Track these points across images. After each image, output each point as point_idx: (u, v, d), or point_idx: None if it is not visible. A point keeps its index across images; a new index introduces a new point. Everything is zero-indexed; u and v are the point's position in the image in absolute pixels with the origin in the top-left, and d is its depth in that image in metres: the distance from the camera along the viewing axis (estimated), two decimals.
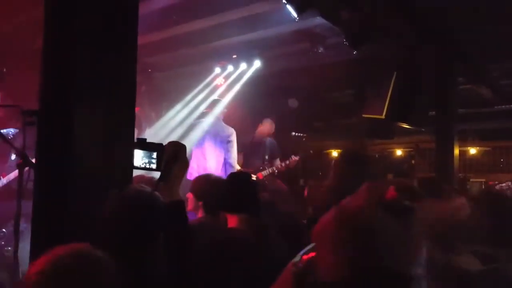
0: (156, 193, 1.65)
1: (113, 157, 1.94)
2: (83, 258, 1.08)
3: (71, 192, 1.81)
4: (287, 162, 5.55)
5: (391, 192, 0.92)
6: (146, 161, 1.69)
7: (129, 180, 1.97)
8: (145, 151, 1.69)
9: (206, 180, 2.83)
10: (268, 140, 5.79)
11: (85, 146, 1.87)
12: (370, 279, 0.87)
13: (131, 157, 1.93)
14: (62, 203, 1.83)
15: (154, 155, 1.68)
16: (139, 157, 1.69)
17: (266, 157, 5.67)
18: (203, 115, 5.87)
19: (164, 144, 1.70)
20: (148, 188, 1.68)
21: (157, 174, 1.69)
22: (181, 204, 1.66)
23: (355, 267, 0.88)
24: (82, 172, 1.84)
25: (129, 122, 2.07)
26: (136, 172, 1.91)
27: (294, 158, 5.55)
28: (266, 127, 5.82)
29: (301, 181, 7.51)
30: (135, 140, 1.75)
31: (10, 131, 3.18)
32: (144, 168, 1.70)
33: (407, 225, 0.92)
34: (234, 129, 5.97)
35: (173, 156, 1.65)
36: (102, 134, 1.93)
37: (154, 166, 1.68)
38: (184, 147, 1.71)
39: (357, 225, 0.90)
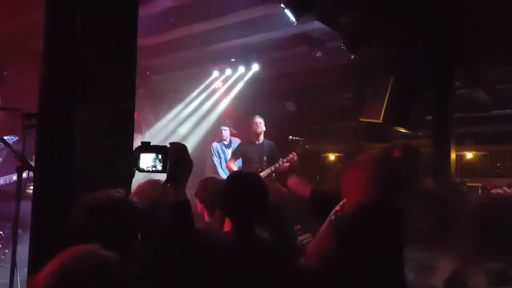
0: (127, 196, 1.63)
1: (113, 160, 1.95)
2: (94, 259, 1.08)
3: (70, 194, 1.82)
4: (285, 160, 5.54)
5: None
6: (152, 164, 1.70)
7: (129, 182, 1.98)
8: (150, 154, 1.71)
9: (206, 183, 2.79)
10: (266, 142, 5.79)
11: (85, 149, 1.87)
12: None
13: (130, 159, 1.94)
14: (61, 205, 1.84)
15: (159, 157, 1.70)
16: (145, 161, 1.71)
17: (265, 158, 5.66)
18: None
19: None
20: (119, 192, 1.64)
21: (162, 176, 1.70)
22: (187, 204, 1.67)
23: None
24: (81, 175, 1.85)
25: (128, 124, 2.08)
26: (140, 176, 1.92)
27: (292, 155, 5.53)
28: (253, 126, 5.79)
29: None
30: (140, 144, 1.76)
31: (10, 138, 3.18)
32: (151, 171, 1.71)
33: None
34: (231, 132, 6.02)
35: (177, 157, 1.67)
36: (101, 136, 1.94)
37: (160, 168, 1.70)
38: (186, 147, 1.72)
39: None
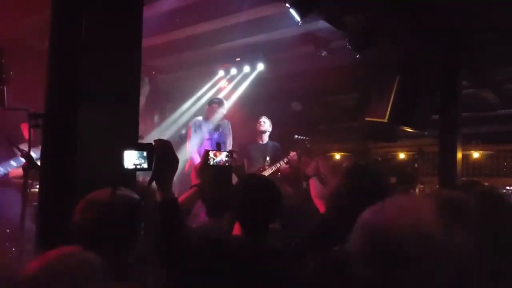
0: (130, 194, 1.61)
1: (118, 160, 1.96)
2: (71, 261, 1.08)
3: (75, 194, 1.83)
4: (286, 159, 5.49)
5: None
6: (137, 161, 1.65)
7: (133, 182, 1.99)
8: (134, 152, 1.65)
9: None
10: (271, 143, 5.78)
11: (90, 149, 1.89)
12: None
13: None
14: (66, 205, 1.85)
15: (144, 154, 1.65)
16: (129, 158, 1.65)
17: (268, 158, 5.64)
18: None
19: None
20: (122, 190, 1.62)
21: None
22: (174, 202, 1.65)
23: None
24: (86, 175, 1.86)
25: (133, 124, 2.09)
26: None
27: (292, 154, 5.47)
28: (256, 125, 5.73)
29: (304, 184, 7.51)
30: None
31: None
32: (136, 169, 1.66)
33: None
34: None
35: (163, 154, 1.63)
36: (106, 136, 1.95)
37: (145, 165, 1.64)
38: (171, 144, 1.69)
39: None
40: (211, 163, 2.07)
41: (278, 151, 5.73)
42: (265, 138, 5.74)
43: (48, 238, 1.86)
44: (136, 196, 1.63)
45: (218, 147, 2.19)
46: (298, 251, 1.99)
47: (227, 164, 2.12)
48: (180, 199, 2.00)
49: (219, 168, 2.10)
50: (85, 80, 1.91)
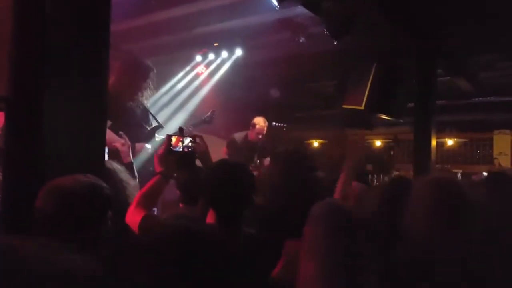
0: (96, 181, 1.55)
1: (85, 144, 1.91)
2: None
3: (40, 179, 1.77)
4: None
5: None
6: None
7: (100, 167, 1.94)
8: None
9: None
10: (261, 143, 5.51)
11: (55, 133, 1.83)
12: None
13: (103, 144, 1.90)
14: (31, 192, 1.79)
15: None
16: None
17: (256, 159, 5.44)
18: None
19: None
20: (88, 177, 1.56)
21: None
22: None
23: None
24: (51, 159, 1.80)
25: (101, 108, 2.03)
26: None
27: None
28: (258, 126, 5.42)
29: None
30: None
31: None
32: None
33: None
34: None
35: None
36: (73, 121, 1.89)
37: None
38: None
39: None
40: (174, 149, 2.03)
41: (266, 149, 5.49)
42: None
43: (11, 225, 1.80)
44: (103, 184, 1.57)
45: (181, 132, 2.11)
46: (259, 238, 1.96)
47: (190, 150, 2.08)
48: (143, 188, 1.97)
49: (182, 154, 2.05)
50: (51, 61, 1.83)
